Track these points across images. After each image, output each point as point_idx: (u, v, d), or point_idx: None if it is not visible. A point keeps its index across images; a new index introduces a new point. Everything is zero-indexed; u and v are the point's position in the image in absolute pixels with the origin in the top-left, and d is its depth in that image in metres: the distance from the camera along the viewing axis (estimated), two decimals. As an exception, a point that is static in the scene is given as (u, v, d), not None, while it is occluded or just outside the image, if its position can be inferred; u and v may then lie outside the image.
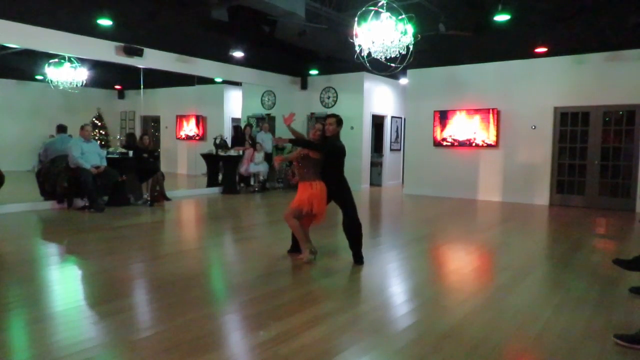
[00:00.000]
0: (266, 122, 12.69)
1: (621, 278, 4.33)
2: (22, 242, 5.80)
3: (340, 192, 4.84)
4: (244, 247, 5.91)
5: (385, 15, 5.45)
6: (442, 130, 11.07)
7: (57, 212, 7.79)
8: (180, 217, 8.30)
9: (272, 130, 12.65)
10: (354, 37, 5.66)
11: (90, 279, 4.39)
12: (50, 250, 5.55)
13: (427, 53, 8.37)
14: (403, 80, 12.80)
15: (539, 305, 3.74)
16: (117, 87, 13.02)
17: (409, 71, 11.32)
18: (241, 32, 7.34)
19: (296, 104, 12.96)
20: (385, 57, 5.72)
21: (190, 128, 13.38)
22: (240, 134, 11.60)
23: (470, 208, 9.50)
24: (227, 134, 12.48)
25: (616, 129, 9.34)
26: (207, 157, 11.24)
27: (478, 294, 4.05)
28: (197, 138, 13.18)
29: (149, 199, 8.69)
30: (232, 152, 10.89)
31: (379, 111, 12.77)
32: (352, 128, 12.12)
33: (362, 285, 4.30)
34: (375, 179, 13.24)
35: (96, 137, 10.79)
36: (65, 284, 4.31)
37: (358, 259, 4.85)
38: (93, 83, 10.14)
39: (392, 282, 4.41)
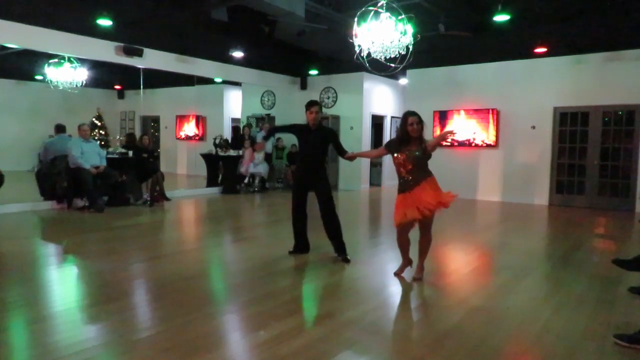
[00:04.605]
0: (266, 122, 12.67)
1: (621, 278, 4.33)
2: (22, 242, 5.79)
3: (324, 182, 4.99)
4: (243, 247, 5.90)
5: (384, 15, 5.46)
6: (441, 130, 11.07)
7: (57, 212, 7.78)
8: (179, 217, 8.30)
9: (271, 130, 12.64)
10: (354, 37, 5.66)
11: (90, 279, 4.39)
12: (50, 251, 5.55)
13: (426, 53, 8.37)
14: (403, 81, 12.80)
15: (539, 305, 3.74)
16: (117, 87, 13.03)
17: (408, 71, 11.32)
18: (241, 32, 7.34)
19: (296, 104, 12.96)
20: (385, 57, 5.72)
21: (190, 128, 13.39)
22: (240, 135, 11.60)
23: (470, 208, 9.49)
24: (227, 134, 12.48)
25: (616, 129, 9.34)
26: (206, 157, 11.24)
27: (478, 293, 4.05)
28: (196, 138, 13.19)
29: (148, 199, 8.69)
30: (232, 152, 10.88)
31: (378, 111, 12.77)
32: (351, 128, 12.12)
33: (361, 285, 4.30)
34: (375, 179, 13.24)
35: (96, 137, 10.79)
36: (65, 284, 4.31)
37: (344, 255, 4.91)
38: (93, 83, 10.14)
39: (392, 282, 4.41)
